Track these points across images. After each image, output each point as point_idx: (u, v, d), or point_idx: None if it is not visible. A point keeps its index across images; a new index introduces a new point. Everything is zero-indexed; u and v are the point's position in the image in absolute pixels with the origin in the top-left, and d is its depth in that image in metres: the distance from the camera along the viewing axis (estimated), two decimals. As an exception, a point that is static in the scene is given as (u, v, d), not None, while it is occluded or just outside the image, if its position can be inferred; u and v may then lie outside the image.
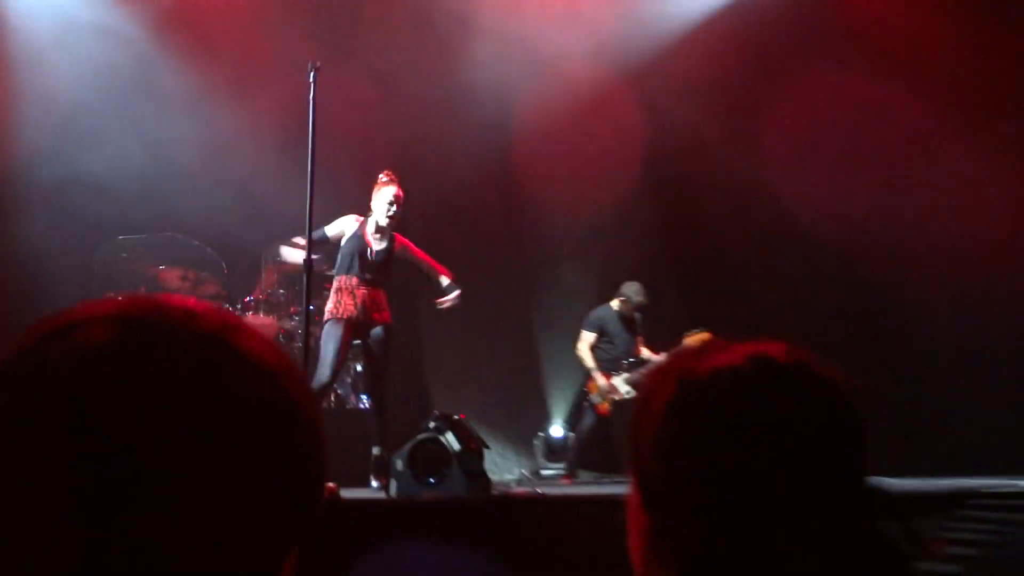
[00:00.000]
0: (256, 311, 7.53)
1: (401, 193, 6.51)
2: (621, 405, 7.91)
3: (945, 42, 8.05)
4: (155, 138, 8.15)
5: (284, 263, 6.80)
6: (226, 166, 7.96)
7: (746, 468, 0.97)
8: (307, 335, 5.85)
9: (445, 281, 6.78)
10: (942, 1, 8.13)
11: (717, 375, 1.01)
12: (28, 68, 7.98)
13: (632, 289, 8.09)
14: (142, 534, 0.65)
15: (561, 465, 8.37)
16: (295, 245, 6.53)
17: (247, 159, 7.90)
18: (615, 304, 8.18)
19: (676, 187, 9.08)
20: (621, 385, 7.97)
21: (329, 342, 6.35)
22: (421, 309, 8.42)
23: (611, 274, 8.63)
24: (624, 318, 8.15)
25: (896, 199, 8.39)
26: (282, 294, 7.70)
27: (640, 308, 8.13)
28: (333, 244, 6.60)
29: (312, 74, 5.71)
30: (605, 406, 8.00)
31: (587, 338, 8.16)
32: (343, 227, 6.39)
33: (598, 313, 8.22)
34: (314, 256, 5.89)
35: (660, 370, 1.07)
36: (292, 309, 7.68)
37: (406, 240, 6.72)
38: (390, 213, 6.48)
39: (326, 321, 6.48)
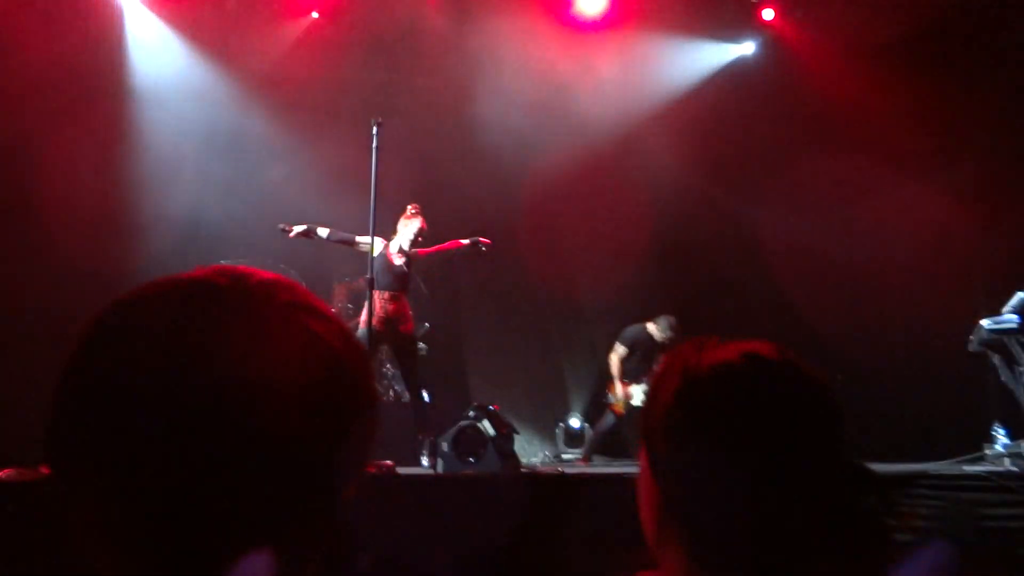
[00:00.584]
0: None
1: (425, 226, 6.52)
2: (633, 409, 7.79)
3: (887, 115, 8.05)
4: (245, 181, 8.18)
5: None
6: (303, 205, 7.95)
7: (742, 447, 0.95)
8: (371, 342, 5.82)
9: (467, 242, 6.66)
10: (884, 81, 8.02)
11: (716, 369, 0.99)
12: (144, 118, 8.05)
13: (665, 322, 7.83)
14: (231, 489, 0.61)
15: (578, 450, 8.33)
16: (311, 233, 6.49)
17: (321, 199, 7.89)
18: (649, 326, 7.92)
19: (672, 224, 9.00)
20: (638, 394, 7.79)
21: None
22: (463, 317, 8.48)
23: (619, 298, 8.58)
24: (653, 340, 7.90)
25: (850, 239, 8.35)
26: (350, 308, 7.65)
27: (667, 339, 7.81)
28: (355, 251, 6.51)
29: (375, 128, 5.75)
30: (619, 407, 7.87)
31: (619, 350, 7.92)
32: (368, 245, 6.19)
33: (632, 331, 7.94)
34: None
35: (667, 363, 1.05)
36: (358, 319, 7.62)
37: (418, 247, 6.64)
38: (416, 244, 6.50)
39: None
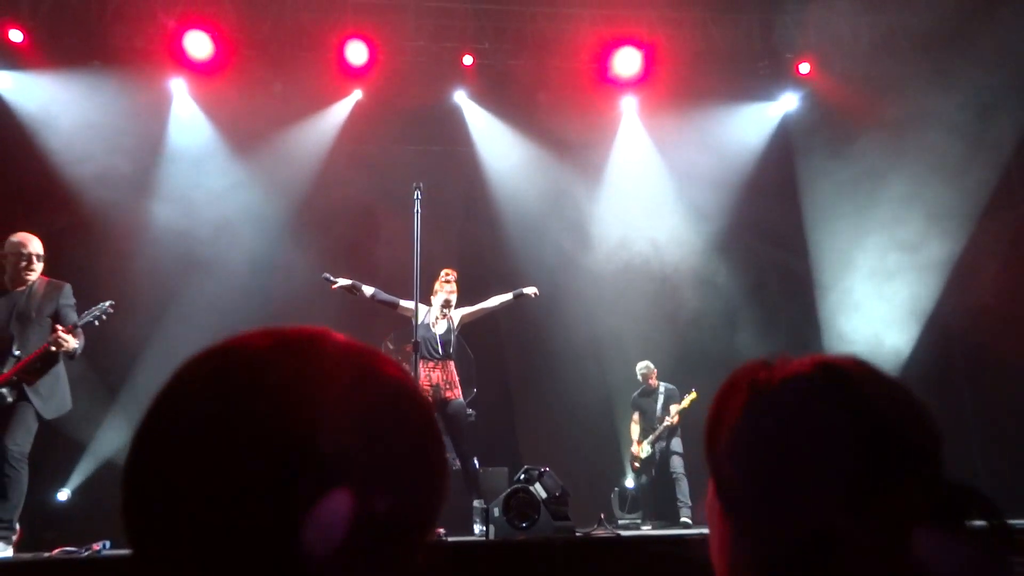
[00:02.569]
0: None
1: (454, 295, 6.49)
2: (644, 464, 8.31)
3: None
4: (298, 254, 8.28)
5: (380, 300, 6.57)
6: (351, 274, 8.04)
7: (823, 467, 0.84)
8: None
9: (510, 296, 6.63)
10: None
11: (788, 382, 0.90)
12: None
13: (640, 366, 8.36)
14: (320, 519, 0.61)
15: (635, 514, 8.19)
16: (355, 289, 6.42)
17: (369, 267, 7.97)
18: (639, 376, 8.45)
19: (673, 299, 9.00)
20: (645, 448, 8.32)
21: None
22: (511, 381, 8.43)
23: (669, 359, 8.59)
24: (645, 393, 8.36)
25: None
26: None
27: (645, 373, 8.30)
28: (396, 313, 6.51)
29: (417, 194, 5.85)
30: (636, 465, 8.37)
31: (633, 417, 8.48)
32: (412, 311, 6.15)
33: (632, 397, 8.48)
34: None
35: (729, 383, 0.96)
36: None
37: (460, 310, 6.61)
38: (442, 313, 6.50)
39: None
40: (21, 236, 5.24)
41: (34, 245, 5.22)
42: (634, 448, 8.38)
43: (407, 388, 0.70)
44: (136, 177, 7.93)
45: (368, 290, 6.44)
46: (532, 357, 8.78)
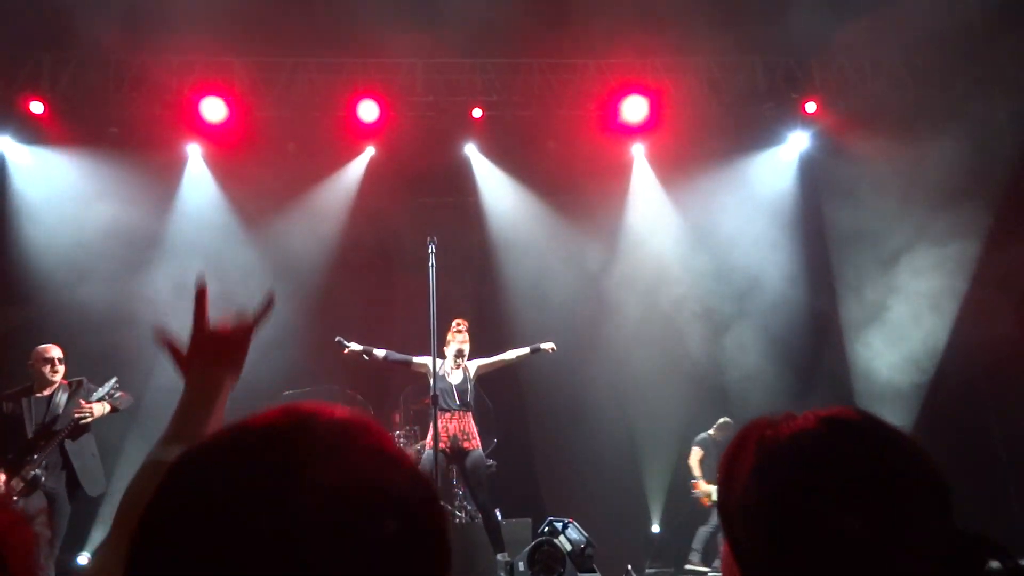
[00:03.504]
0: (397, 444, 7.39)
1: (466, 344, 6.55)
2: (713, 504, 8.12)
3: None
4: (312, 309, 8.33)
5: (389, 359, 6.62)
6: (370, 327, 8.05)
7: (831, 521, 0.84)
8: (436, 457, 5.71)
9: (527, 351, 6.67)
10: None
11: (796, 439, 0.91)
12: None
13: (723, 423, 8.32)
14: None
15: (660, 567, 8.12)
16: (367, 354, 6.51)
17: (386, 320, 8.01)
18: (712, 431, 8.37)
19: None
20: (713, 490, 8.06)
21: (425, 468, 6.06)
22: (532, 430, 8.39)
23: (691, 405, 8.57)
24: (717, 442, 8.33)
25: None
26: (416, 430, 7.58)
27: (725, 439, 8.12)
28: (411, 371, 6.54)
29: (431, 247, 5.89)
30: (707, 500, 8.15)
31: (696, 453, 8.34)
32: (427, 366, 6.18)
33: (701, 436, 8.39)
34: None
35: (740, 439, 0.97)
36: (424, 441, 7.55)
37: (476, 361, 6.64)
38: (454, 364, 6.54)
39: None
40: (42, 347, 6.02)
41: (55, 351, 5.98)
42: (703, 484, 8.18)
43: (409, 494, 0.69)
44: (148, 239, 8.00)
45: (380, 352, 6.50)
46: (553, 406, 8.71)
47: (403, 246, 8.21)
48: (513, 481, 7.98)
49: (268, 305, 1.26)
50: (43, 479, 5.53)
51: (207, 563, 0.60)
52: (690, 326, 8.75)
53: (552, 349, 6.70)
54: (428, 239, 5.90)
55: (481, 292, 8.92)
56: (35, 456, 5.60)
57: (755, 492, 0.91)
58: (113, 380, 5.92)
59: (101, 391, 5.84)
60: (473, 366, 6.65)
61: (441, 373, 6.44)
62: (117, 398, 5.84)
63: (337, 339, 6.51)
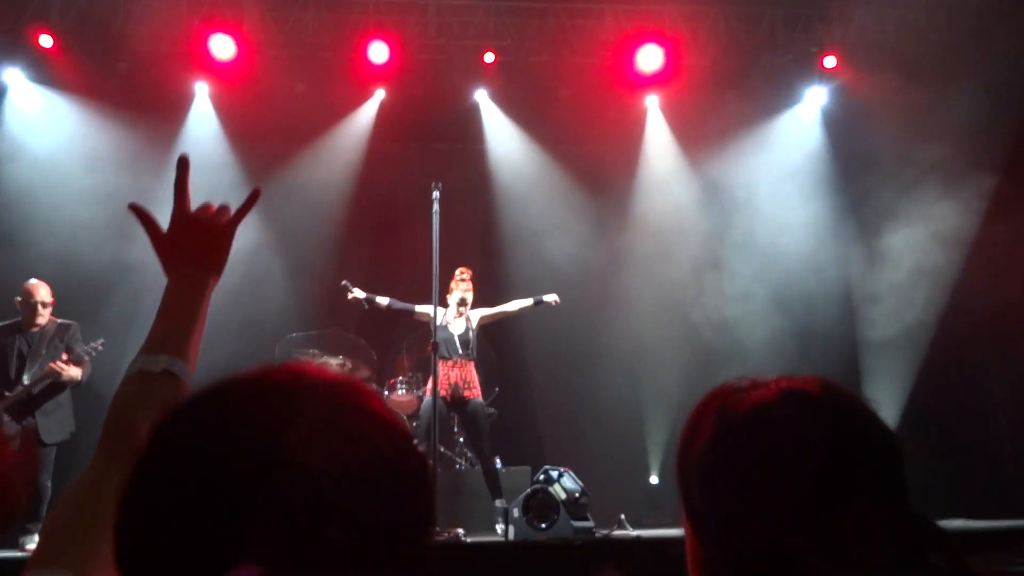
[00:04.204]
0: (398, 390, 7.54)
1: (469, 293, 6.59)
2: None
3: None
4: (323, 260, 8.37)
5: (396, 309, 6.69)
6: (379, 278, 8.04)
7: (787, 497, 0.86)
8: (435, 407, 5.75)
9: (530, 302, 6.72)
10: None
11: (755, 411, 0.91)
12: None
13: None
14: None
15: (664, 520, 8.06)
16: (371, 302, 6.57)
17: (391, 267, 8.04)
18: None
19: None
20: None
21: (424, 415, 6.26)
22: (532, 375, 8.39)
23: (694, 353, 8.44)
24: None
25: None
26: (419, 376, 7.61)
27: None
28: (414, 319, 6.61)
29: (435, 193, 5.87)
30: None
31: None
32: (430, 315, 6.15)
33: None
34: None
35: (702, 406, 0.97)
36: (425, 389, 7.62)
37: (478, 311, 6.70)
38: (458, 312, 6.57)
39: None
40: (29, 285, 6.08)
41: (41, 293, 6.01)
42: None
43: (386, 424, 0.70)
44: (147, 183, 8.00)
45: (383, 301, 6.60)
46: (557, 357, 8.73)
47: (409, 193, 8.11)
48: (514, 430, 8.02)
49: (252, 199, 1.23)
50: (8, 419, 5.67)
51: (194, 521, 0.61)
52: (702, 285, 8.68)
53: (555, 302, 6.74)
54: (432, 185, 5.88)
55: (486, 242, 8.86)
56: (6, 394, 5.76)
57: (711, 459, 0.91)
58: (100, 341, 5.99)
59: (85, 347, 5.92)
60: (476, 315, 6.72)
61: (443, 322, 6.49)
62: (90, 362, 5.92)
63: (343, 283, 6.59)
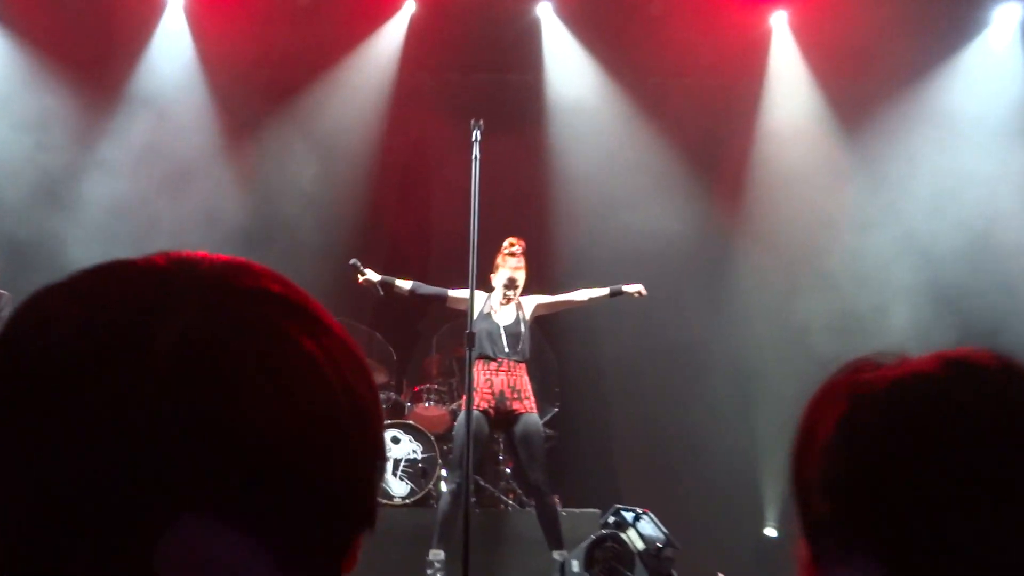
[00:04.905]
0: (426, 401, 7.55)
1: (521, 272, 6.55)
2: None
3: None
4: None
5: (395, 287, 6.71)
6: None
7: (950, 499, 0.86)
8: (469, 422, 5.73)
9: (605, 292, 6.70)
10: None
11: (902, 385, 0.92)
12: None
13: None
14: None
15: None
16: (387, 286, 6.61)
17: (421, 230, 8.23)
18: None
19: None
20: None
21: (459, 438, 6.26)
22: (607, 381, 8.48)
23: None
24: None
25: None
26: (454, 383, 7.64)
27: None
28: (448, 308, 6.68)
29: (476, 133, 5.89)
30: None
31: None
32: (466, 300, 6.09)
33: None
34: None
35: (825, 390, 0.99)
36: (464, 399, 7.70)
37: (534, 298, 6.71)
38: (506, 297, 6.54)
39: (458, 411, 6.56)
40: None
41: None
42: None
43: (323, 359, 0.70)
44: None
45: (404, 284, 6.61)
46: (640, 365, 8.64)
47: (443, 139, 8.16)
48: (579, 460, 8.03)
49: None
50: None
51: (43, 422, 0.63)
52: (845, 279, 8.55)
53: (639, 293, 6.71)
54: (472, 125, 5.89)
55: (543, 206, 8.86)
56: None
57: (842, 455, 0.92)
58: None
59: None
60: (530, 303, 6.71)
61: (485, 310, 6.50)
62: None
63: (352, 262, 6.63)
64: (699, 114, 8.76)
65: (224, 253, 0.74)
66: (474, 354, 5.97)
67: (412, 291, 6.64)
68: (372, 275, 6.57)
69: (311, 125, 8.57)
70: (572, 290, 6.90)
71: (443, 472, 6.89)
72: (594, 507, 7.18)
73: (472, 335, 5.77)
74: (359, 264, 6.59)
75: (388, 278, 6.61)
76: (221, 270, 0.71)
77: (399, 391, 7.68)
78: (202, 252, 0.72)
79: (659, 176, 8.78)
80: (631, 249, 8.31)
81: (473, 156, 5.80)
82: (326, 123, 8.61)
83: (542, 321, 7.04)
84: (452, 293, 6.52)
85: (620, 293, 6.68)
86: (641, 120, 8.86)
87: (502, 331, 6.50)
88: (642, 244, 8.40)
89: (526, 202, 8.71)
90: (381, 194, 8.70)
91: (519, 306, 6.64)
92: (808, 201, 8.68)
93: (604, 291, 6.72)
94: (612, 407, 8.91)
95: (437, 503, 6.55)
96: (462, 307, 6.31)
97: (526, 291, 6.73)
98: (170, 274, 0.69)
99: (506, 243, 6.61)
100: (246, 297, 0.69)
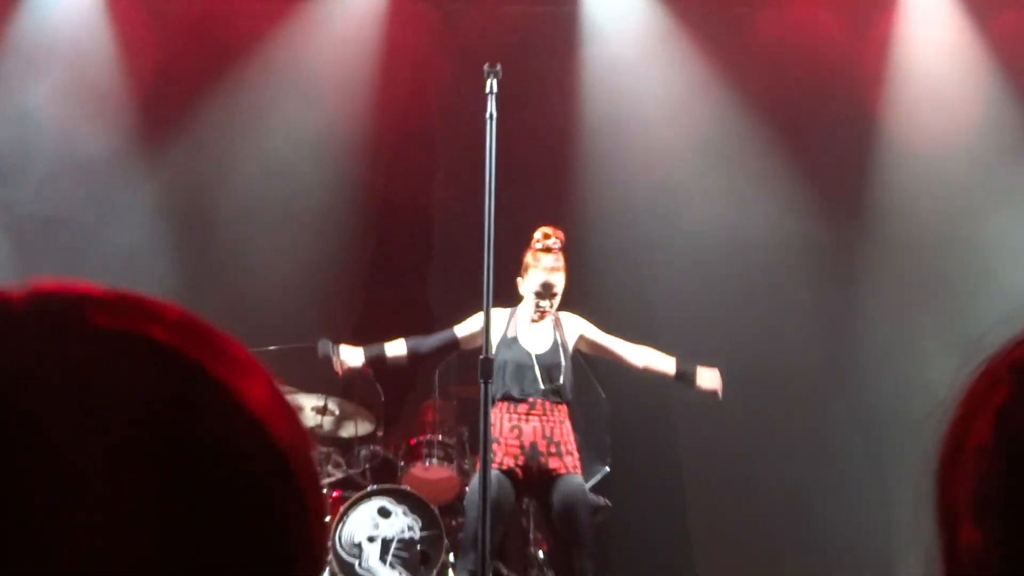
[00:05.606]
0: (427, 458, 7.46)
1: (559, 275, 6.56)
2: None
3: None
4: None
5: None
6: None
7: None
8: (484, 484, 5.54)
9: (668, 366, 6.77)
10: None
11: None
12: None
13: None
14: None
15: None
16: (381, 359, 6.76)
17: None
18: None
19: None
20: None
21: (472, 509, 6.23)
22: (677, 429, 8.64)
23: None
24: None
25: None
26: (465, 433, 7.64)
27: None
28: (468, 349, 6.69)
29: (491, 80, 5.85)
30: None
31: None
32: (480, 328, 6.07)
33: None
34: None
35: (981, 374, 0.98)
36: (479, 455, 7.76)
37: (580, 321, 6.77)
38: (539, 311, 6.55)
39: (471, 473, 6.68)
40: None
41: None
42: None
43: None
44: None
45: (399, 349, 6.74)
46: (730, 415, 8.44)
47: (449, 90, 8.35)
48: (640, 539, 8.15)
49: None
50: None
51: None
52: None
53: (717, 394, 6.79)
54: (487, 71, 5.82)
55: (579, 191, 8.86)
56: None
57: (1001, 465, 0.92)
58: None
59: None
60: (573, 326, 6.76)
61: (510, 333, 6.57)
62: None
63: (321, 345, 6.75)
64: (804, 64, 8.75)
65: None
66: (494, 390, 5.93)
67: (412, 354, 6.71)
68: (350, 355, 6.66)
69: (273, 75, 8.79)
70: (629, 337, 6.91)
71: (451, 558, 6.84)
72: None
73: (489, 362, 5.57)
74: (330, 347, 6.67)
75: (373, 349, 6.70)
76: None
77: (388, 445, 7.66)
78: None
79: (743, 153, 8.89)
80: (703, 251, 8.49)
81: (488, 113, 5.75)
82: (296, 71, 8.82)
83: (586, 352, 7.06)
84: (461, 332, 6.61)
85: (691, 382, 6.73)
86: (719, 73, 8.89)
87: (534, 360, 6.51)
88: (718, 245, 8.56)
89: (558, 177, 8.84)
90: (364, 167, 8.85)
91: (558, 324, 6.65)
92: (961, 197, 8.71)
93: (669, 365, 6.77)
94: (685, 465, 8.92)
95: (443, 601, 6.59)
96: (478, 342, 6.24)
97: (566, 304, 6.70)
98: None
99: (539, 234, 6.63)
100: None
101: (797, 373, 8.70)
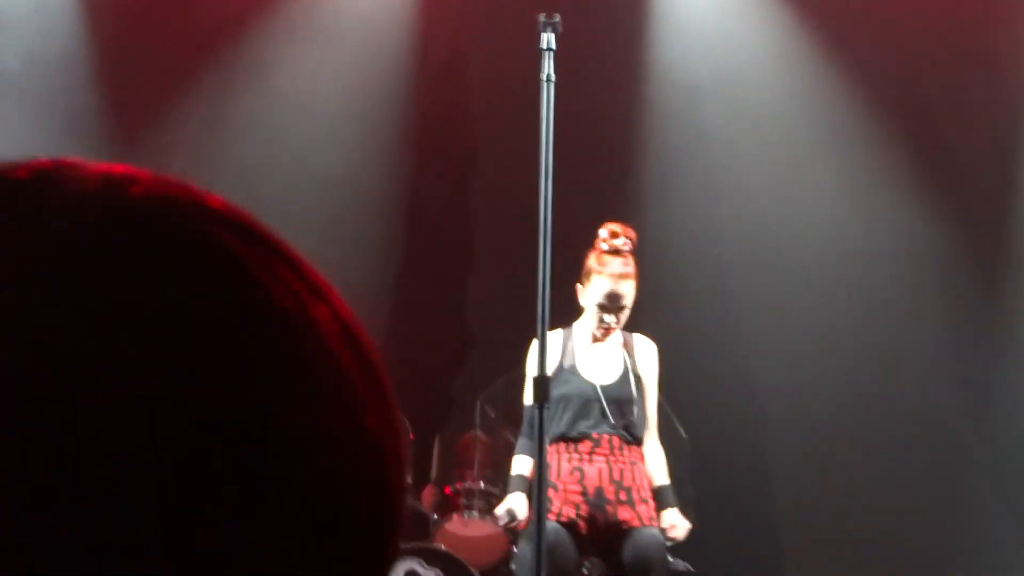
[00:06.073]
0: (465, 511, 7.43)
1: (629, 283, 6.59)
2: None
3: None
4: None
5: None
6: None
7: None
8: (540, 536, 5.46)
9: (662, 478, 6.81)
10: None
11: None
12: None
13: None
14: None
15: None
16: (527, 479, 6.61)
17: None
18: None
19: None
20: None
21: (523, 571, 6.32)
22: (773, 490, 8.74)
23: None
24: None
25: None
26: (490, 474, 7.64)
27: None
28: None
29: (548, 33, 5.84)
30: None
31: None
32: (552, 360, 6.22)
33: None
34: None
35: None
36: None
37: (653, 349, 6.85)
38: (603, 329, 6.59)
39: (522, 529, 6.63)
40: None
41: None
42: None
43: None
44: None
45: (524, 461, 6.61)
46: (838, 456, 8.69)
47: (492, 44, 8.60)
48: None
49: None
50: None
51: None
52: None
53: (675, 537, 6.77)
54: (542, 21, 5.79)
55: (655, 173, 8.95)
56: None
57: None
58: None
59: None
60: (646, 351, 6.85)
61: (568, 360, 6.68)
62: None
63: (501, 512, 6.68)
64: (936, 35, 8.83)
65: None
66: (551, 423, 6.07)
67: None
68: (517, 501, 6.52)
69: (286, 48, 8.98)
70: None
71: (496, 633, 6.95)
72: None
73: (545, 380, 5.53)
74: (510, 511, 6.57)
75: (517, 476, 6.65)
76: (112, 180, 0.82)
77: (418, 494, 7.67)
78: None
79: (858, 144, 8.94)
80: (806, 262, 8.65)
81: (544, 75, 5.73)
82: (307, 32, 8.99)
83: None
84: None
85: (665, 504, 6.71)
86: (829, 42, 8.98)
87: (599, 392, 6.51)
88: (826, 254, 8.71)
89: (626, 163, 8.95)
90: (392, 154, 9.01)
91: (628, 347, 6.74)
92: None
93: (662, 475, 6.79)
94: (783, 526, 8.94)
95: None
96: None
97: (636, 324, 6.79)
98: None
99: (604, 232, 6.68)
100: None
101: (925, 411, 8.67)
